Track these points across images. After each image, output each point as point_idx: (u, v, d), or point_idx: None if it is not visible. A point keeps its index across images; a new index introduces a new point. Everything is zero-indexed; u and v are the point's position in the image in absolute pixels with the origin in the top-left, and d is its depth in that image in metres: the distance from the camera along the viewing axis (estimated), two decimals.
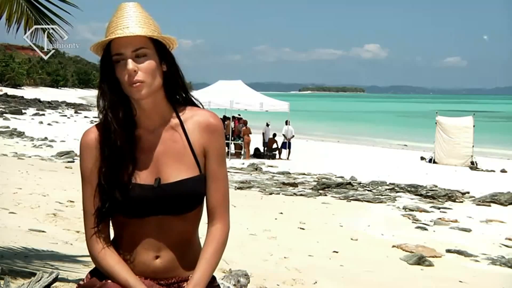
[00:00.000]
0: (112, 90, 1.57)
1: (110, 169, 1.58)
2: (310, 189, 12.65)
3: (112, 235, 1.68)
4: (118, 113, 1.59)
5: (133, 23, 1.55)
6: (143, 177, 1.59)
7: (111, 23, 1.57)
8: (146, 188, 1.58)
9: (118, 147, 1.58)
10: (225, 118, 20.55)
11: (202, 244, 1.73)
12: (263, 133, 21.07)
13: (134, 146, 1.61)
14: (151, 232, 1.61)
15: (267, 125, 21.17)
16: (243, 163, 17.65)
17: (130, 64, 1.53)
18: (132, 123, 1.62)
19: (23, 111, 36.25)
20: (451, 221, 9.68)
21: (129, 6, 1.58)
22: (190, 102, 1.69)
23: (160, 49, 1.59)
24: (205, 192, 1.66)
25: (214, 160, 1.65)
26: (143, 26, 1.56)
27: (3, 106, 38.10)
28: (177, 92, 1.66)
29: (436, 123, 21.16)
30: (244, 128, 20.39)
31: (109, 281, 1.57)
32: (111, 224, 1.66)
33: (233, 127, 20.28)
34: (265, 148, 20.91)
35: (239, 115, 21.48)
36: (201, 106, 1.72)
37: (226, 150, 19.72)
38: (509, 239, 8.53)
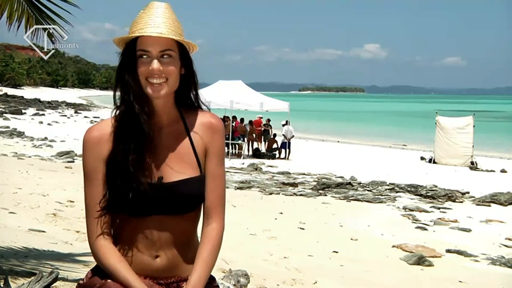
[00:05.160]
0: (136, 83, 1.59)
1: (119, 165, 1.58)
2: (310, 189, 12.65)
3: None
4: (143, 106, 1.60)
5: (163, 24, 1.59)
6: (147, 175, 1.60)
7: (140, 19, 1.60)
8: (149, 186, 1.59)
9: (146, 137, 1.60)
10: (224, 119, 20.59)
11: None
12: (283, 135, 20.63)
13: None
14: (151, 231, 1.62)
15: (287, 123, 20.87)
16: (243, 163, 17.65)
17: (156, 63, 1.57)
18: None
19: (23, 111, 36.20)
20: (451, 221, 9.68)
21: (161, 7, 1.62)
22: (197, 106, 1.72)
23: (182, 53, 1.63)
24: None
25: (214, 159, 1.68)
26: (172, 28, 1.60)
27: (3, 106, 38.07)
28: (188, 95, 1.69)
29: (436, 123, 21.15)
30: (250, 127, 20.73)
31: (109, 280, 1.58)
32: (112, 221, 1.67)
33: (233, 126, 20.31)
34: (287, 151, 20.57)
35: (268, 120, 21.94)
36: (207, 108, 1.75)
37: (226, 150, 19.87)
38: (509, 239, 8.53)
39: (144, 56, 1.58)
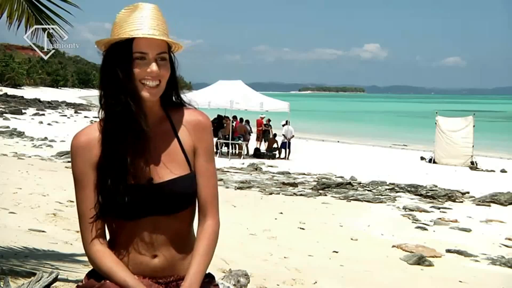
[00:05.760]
0: (131, 84, 1.57)
1: (110, 165, 1.58)
2: (310, 189, 12.64)
3: (107, 237, 1.68)
4: (140, 106, 1.59)
5: (158, 26, 1.58)
6: (136, 178, 1.59)
7: (133, 19, 1.57)
8: (139, 188, 1.59)
9: (144, 136, 1.58)
10: (224, 118, 20.59)
11: None
12: (283, 135, 20.63)
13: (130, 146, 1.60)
14: (147, 232, 1.61)
15: (287, 123, 20.92)
16: (243, 163, 17.65)
17: (154, 66, 1.56)
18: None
19: (23, 111, 36.20)
20: (451, 221, 9.69)
21: (153, 8, 1.60)
22: (181, 103, 1.71)
23: (169, 54, 1.63)
24: (196, 189, 1.67)
25: (203, 157, 1.68)
26: (165, 31, 1.60)
27: (3, 106, 38.07)
28: (172, 95, 1.69)
29: (436, 123, 21.16)
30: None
31: (108, 281, 1.57)
32: (106, 225, 1.66)
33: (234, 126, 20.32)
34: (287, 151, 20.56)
35: (269, 120, 22.09)
36: (192, 106, 1.74)
37: (226, 150, 19.89)
38: (509, 239, 8.53)
39: (141, 58, 1.56)
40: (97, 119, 1.67)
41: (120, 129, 1.58)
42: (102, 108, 1.62)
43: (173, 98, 1.69)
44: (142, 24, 1.56)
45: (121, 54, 1.56)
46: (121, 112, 1.57)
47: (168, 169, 1.62)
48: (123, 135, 1.57)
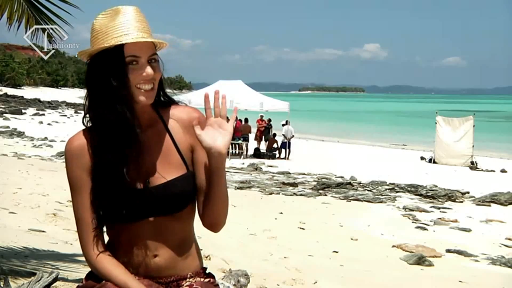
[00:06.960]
0: (126, 90, 1.54)
1: (105, 174, 1.56)
2: (310, 189, 12.65)
3: (106, 238, 1.67)
4: (133, 113, 1.57)
5: (144, 28, 1.56)
6: (133, 181, 1.58)
7: (118, 25, 1.54)
8: (136, 193, 1.58)
9: (137, 144, 1.56)
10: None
11: (199, 243, 1.74)
12: (283, 135, 20.69)
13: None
14: (147, 233, 1.61)
15: (287, 123, 20.97)
16: (243, 163, 17.66)
17: (149, 69, 1.54)
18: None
19: (23, 111, 36.21)
20: (451, 221, 9.69)
21: (135, 10, 1.58)
22: (170, 102, 1.70)
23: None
24: (196, 187, 1.65)
25: (203, 152, 1.62)
26: (151, 32, 1.58)
27: (3, 106, 38.05)
28: (160, 93, 1.67)
29: (436, 123, 21.17)
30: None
31: (108, 282, 1.57)
32: (105, 228, 1.66)
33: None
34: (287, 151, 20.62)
35: (269, 120, 22.17)
36: (182, 103, 1.72)
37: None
38: (509, 239, 8.53)
39: (134, 63, 1.53)
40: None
41: (114, 138, 1.55)
42: (90, 117, 1.60)
43: (162, 97, 1.67)
44: (130, 28, 1.53)
45: (112, 61, 1.53)
46: (114, 121, 1.54)
47: (164, 170, 1.61)
48: (117, 144, 1.55)
